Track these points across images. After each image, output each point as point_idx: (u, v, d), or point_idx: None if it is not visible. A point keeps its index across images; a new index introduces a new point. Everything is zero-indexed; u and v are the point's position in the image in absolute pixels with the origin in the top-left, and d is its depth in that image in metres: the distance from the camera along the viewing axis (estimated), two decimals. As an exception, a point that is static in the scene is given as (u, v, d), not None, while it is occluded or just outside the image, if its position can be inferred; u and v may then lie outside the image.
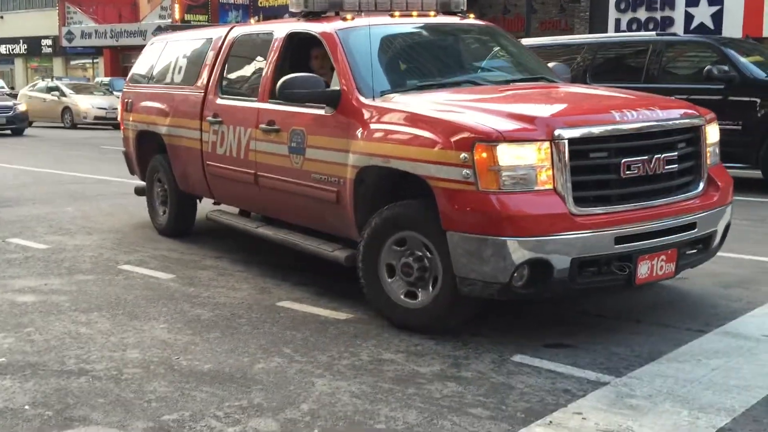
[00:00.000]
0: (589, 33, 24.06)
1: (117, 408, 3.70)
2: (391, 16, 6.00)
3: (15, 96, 25.38)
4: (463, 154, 4.28)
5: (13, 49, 45.97)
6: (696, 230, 4.70)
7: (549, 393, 3.83)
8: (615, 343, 4.51)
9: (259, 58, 6.41)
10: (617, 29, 24.09)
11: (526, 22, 22.77)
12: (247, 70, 6.70)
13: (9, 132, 22.07)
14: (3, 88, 29.33)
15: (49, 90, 26.68)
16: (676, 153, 4.68)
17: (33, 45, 44.32)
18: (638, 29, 23.68)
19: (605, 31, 23.97)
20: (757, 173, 10.35)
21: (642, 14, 23.76)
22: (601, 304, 5.21)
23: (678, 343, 4.46)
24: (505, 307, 4.96)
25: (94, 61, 41.96)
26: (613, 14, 24.24)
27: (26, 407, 3.71)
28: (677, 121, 4.77)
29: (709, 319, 4.92)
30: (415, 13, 6.11)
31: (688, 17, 22.84)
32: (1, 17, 46.25)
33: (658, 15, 23.43)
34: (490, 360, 4.28)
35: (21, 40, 44.98)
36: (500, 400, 3.76)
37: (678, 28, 22.94)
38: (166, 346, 4.55)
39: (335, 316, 5.08)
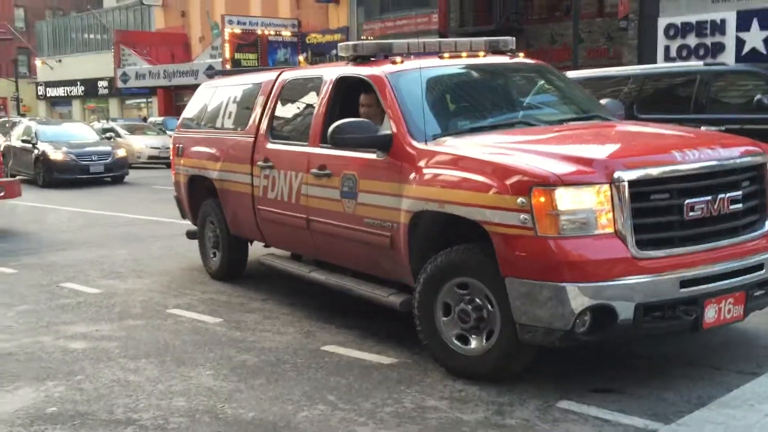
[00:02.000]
0: (638, 60, 23.88)
1: (162, 459, 3.75)
2: (440, 57, 6.00)
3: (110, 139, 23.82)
4: (520, 199, 4.25)
5: (71, 91, 47.47)
6: (764, 271, 4.57)
7: (595, 442, 3.77)
8: (664, 387, 4.42)
9: (308, 102, 6.48)
10: (666, 56, 23.83)
11: (573, 51, 22.67)
12: (297, 115, 6.77)
13: (109, 179, 20.03)
14: (110, 131, 26.15)
15: (105, 131, 27.35)
16: (740, 192, 4.57)
17: (90, 87, 45.68)
18: (688, 56, 23.40)
19: (654, 58, 23.74)
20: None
21: (692, 40, 23.48)
22: (650, 345, 5.11)
23: (729, 387, 4.34)
24: (549, 349, 4.89)
25: (148, 100, 43.02)
26: (662, 41, 24.01)
27: (75, 458, 3.78)
28: (740, 160, 4.66)
29: (762, 360, 4.79)
30: (464, 53, 6.10)
31: (740, 42, 22.50)
32: (60, 61, 47.82)
33: (708, 41, 23.14)
34: (535, 407, 4.23)
35: (78, 82, 46.41)
36: (545, 449, 3.71)
37: (729, 53, 22.59)
38: (212, 394, 4.60)
39: (379, 361, 5.08)
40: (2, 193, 11.33)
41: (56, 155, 19.53)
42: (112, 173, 20.11)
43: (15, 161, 20.60)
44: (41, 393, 4.70)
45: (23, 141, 20.57)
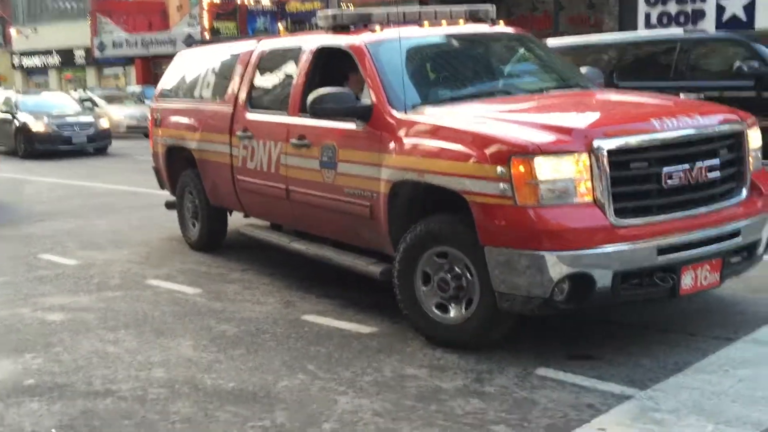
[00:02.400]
0: (619, 28, 23.84)
1: (142, 430, 3.76)
2: (420, 26, 5.96)
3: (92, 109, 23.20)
4: (499, 168, 4.24)
5: (47, 61, 46.71)
6: (740, 238, 4.61)
7: (572, 408, 3.80)
8: (640, 353, 4.46)
9: (288, 72, 6.40)
10: (647, 23, 23.77)
11: (554, 18, 22.59)
12: (277, 84, 6.69)
13: (91, 150, 19.60)
14: (88, 101, 25.43)
15: (83, 101, 26.98)
16: (718, 160, 4.59)
17: (66, 56, 44.97)
18: (669, 23, 23.35)
19: (635, 25, 23.70)
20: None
21: (672, 7, 23.43)
22: (627, 312, 5.15)
23: (704, 353, 4.40)
24: (528, 317, 4.92)
25: (126, 69, 42.47)
26: (642, 8, 23.93)
27: (53, 430, 3.77)
28: (718, 128, 4.68)
29: (737, 326, 4.84)
30: (444, 22, 6.06)
31: (720, 9, 22.47)
32: (35, 30, 46.98)
33: (688, 8, 23.09)
34: (514, 374, 4.26)
35: (54, 52, 45.68)
36: (523, 416, 3.75)
37: (709, 20, 22.56)
38: (191, 365, 4.59)
39: (359, 330, 5.09)
40: (-22, 165, 11.22)
41: (37, 126, 19.13)
42: (95, 144, 19.74)
43: None
44: (19, 365, 4.68)
45: (3, 112, 20.15)
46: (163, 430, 3.74)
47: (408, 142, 4.91)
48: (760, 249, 4.86)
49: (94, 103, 26.26)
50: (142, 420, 3.86)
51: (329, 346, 4.80)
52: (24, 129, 19.24)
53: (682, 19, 23.16)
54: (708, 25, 22.10)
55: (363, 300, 5.70)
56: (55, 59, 46.14)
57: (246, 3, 34.02)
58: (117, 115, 25.65)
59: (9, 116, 19.81)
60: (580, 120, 4.72)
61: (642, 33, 17.45)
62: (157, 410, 3.96)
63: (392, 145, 4.99)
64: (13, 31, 48.41)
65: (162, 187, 8.52)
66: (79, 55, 44.02)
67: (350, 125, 5.35)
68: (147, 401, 4.08)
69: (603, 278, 4.18)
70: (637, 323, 5.02)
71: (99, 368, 4.58)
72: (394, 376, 4.30)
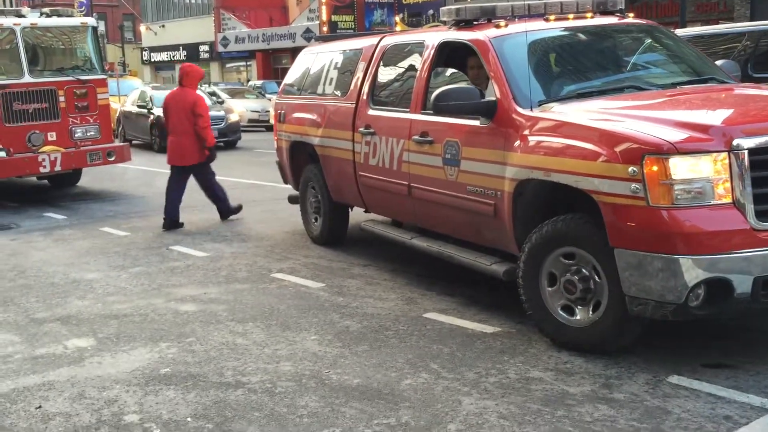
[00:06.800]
0: (750, 14, 22.72)
1: (272, 422, 3.85)
2: (546, 20, 5.84)
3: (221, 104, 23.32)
4: (631, 168, 4.12)
5: (173, 56, 48.67)
6: None
7: (708, 419, 3.65)
8: (782, 364, 4.24)
9: (410, 68, 6.43)
10: (782, 10, 22.58)
11: (680, 6, 21.70)
12: (399, 81, 6.71)
13: (222, 145, 18.93)
14: (214, 96, 25.34)
15: (208, 96, 27.83)
16: None
17: (191, 51, 46.73)
18: (806, 9, 22.09)
19: (768, 12, 22.52)
20: None
21: (811, -8, 22.15)
22: (765, 318, 4.90)
23: None
24: (657, 322, 4.76)
25: (248, 64, 43.71)
26: (777, -7, 22.76)
27: (188, 419, 3.92)
28: None
29: None
30: (570, 15, 5.91)
31: None
32: (163, 26, 49.05)
33: (829, -9, 21.78)
34: (644, 381, 4.13)
35: (180, 47, 47.54)
36: (655, 426, 3.62)
37: None
38: (317, 359, 4.68)
39: (482, 329, 5.05)
40: (113, 158, 11.78)
41: None
42: (226, 138, 19.93)
43: (130, 126, 20.84)
44: (155, 354, 4.89)
45: (139, 106, 20.71)
46: (292, 423, 3.83)
47: (534, 139, 4.82)
48: None
49: (218, 97, 27.05)
50: (271, 413, 3.95)
51: (452, 345, 4.79)
52: (159, 123, 19.70)
53: (821, 4, 21.84)
54: None
55: (484, 299, 5.66)
56: (181, 54, 47.97)
57: (363, -4, 34.37)
58: (239, 108, 26.40)
59: (144, 111, 20.32)
60: (718, 117, 4.51)
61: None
62: (286, 403, 4.05)
63: (518, 142, 4.91)
64: (142, 27, 50.73)
65: (285, 181, 8.71)
66: (204, 50, 45.65)
67: (474, 122, 5.30)
68: (276, 394, 4.18)
69: (742, 284, 3.99)
70: (777, 331, 4.78)
71: (230, 360, 4.73)
72: (519, 379, 4.25)
